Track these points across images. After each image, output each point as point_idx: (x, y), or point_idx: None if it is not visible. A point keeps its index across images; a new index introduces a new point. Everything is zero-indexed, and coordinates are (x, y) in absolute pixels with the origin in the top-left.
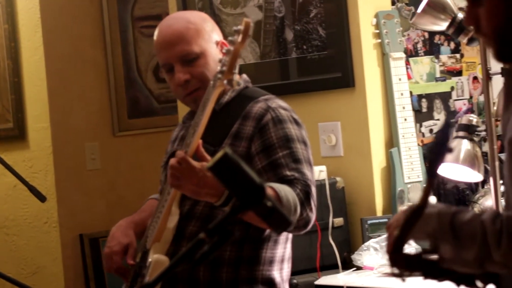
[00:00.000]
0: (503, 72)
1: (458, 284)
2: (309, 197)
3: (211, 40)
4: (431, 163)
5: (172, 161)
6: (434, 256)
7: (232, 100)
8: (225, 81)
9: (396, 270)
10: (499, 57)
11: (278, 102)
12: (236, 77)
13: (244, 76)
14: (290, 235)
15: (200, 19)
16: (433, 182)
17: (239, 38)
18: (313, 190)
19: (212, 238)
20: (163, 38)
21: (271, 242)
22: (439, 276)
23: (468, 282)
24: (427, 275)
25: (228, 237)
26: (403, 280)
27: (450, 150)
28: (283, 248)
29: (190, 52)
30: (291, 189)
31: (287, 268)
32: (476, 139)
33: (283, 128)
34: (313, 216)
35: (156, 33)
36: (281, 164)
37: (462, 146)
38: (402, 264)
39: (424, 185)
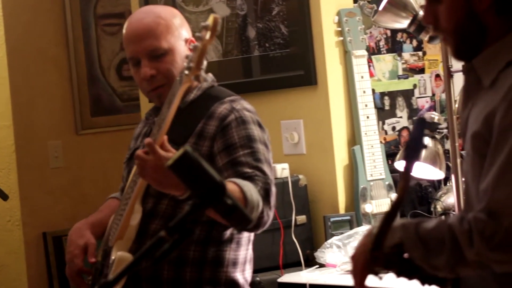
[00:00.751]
0: (463, 70)
1: (424, 283)
2: (269, 195)
3: (180, 37)
4: (407, 160)
5: (139, 151)
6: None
7: (197, 98)
8: (192, 77)
9: (374, 268)
10: (457, 55)
11: (243, 104)
12: (204, 73)
13: (210, 75)
14: (252, 237)
15: (170, 14)
16: (409, 179)
17: (207, 34)
18: (273, 189)
19: (173, 236)
20: (133, 31)
21: (233, 244)
22: (411, 274)
23: (435, 281)
24: (401, 273)
25: (188, 235)
26: (380, 278)
27: (424, 146)
28: (245, 250)
29: (159, 47)
30: (252, 185)
31: (249, 269)
32: (438, 136)
33: (246, 128)
34: (271, 215)
35: (125, 26)
36: (242, 162)
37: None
38: (381, 262)
39: (400, 181)
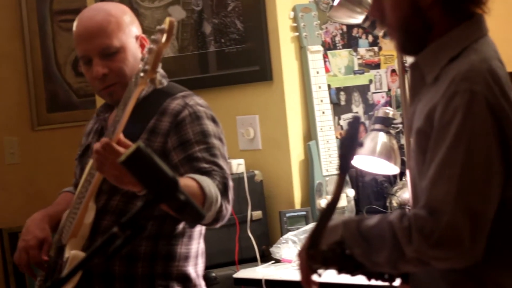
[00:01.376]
0: (409, 66)
1: (369, 278)
2: (227, 189)
3: (131, 35)
4: (342, 159)
5: (97, 145)
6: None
7: (149, 95)
8: (148, 80)
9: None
10: (402, 49)
11: (195, 99)
12: (159, 76)
13: (161, 71)
14: (204, 231)
15: (121, 11)
16: (344, 177)
17: (163, 38)
18: (231, 183)
19: (125, 232)
20: (84, 29)
21: (185, 238)
22: (353, 270)
23: (379, 277)
24: (342, 269)
25: (140, 231)
26: (319, 275)
27: (360, 144)
28: (197, 244)
29: (110, 46)
30: (210, 180)
31: (201, 263)
32: (392, 131)
33: (200, 124)
34: (230, 209)
35: (75, 23)
36: (198, 158)
37: (379, 138)
38: (318, 260)
39: (336, 181)
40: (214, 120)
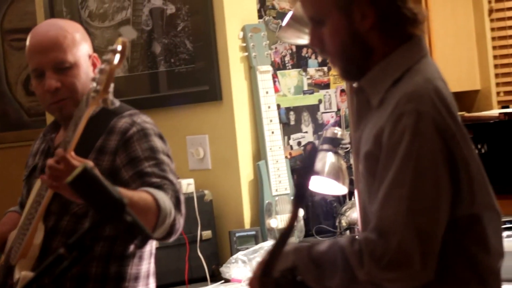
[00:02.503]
0: (354, 91)
1: None
2: (179, 203)
3: (84, 52)
4: (298, 187)
5: (50, 161)
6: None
7: (96, 114)
8: (100, 100)
9: None
10: (345, 76)
11: (142, 117)
12: (111, 96)
13: None
14: (154, 251)
15: (76, 28)
16: (300, 206)
17: (115, 58)
18: (182, 197)
19: (72, 253)
20: (38, 42)
21: (136, 259)
22: None
23: None
24: None
25: (87, 252)
26: None
27: (316, 173)
28: (147, 264)
29: (65, 60)
30: (163, 193)
31: (152, 283)
32: (341, 152)
33: (148, 141)
34: (182, 223)
35: (30, 37)
36: (148, 173)
37: (327, 159)
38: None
39: (291, 208)
40: (161, 138)
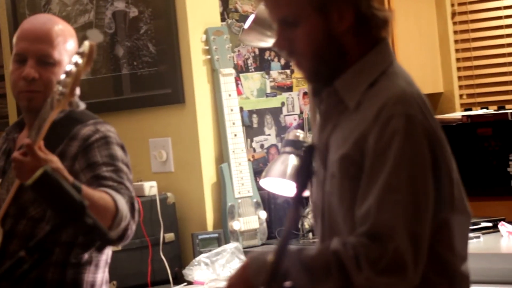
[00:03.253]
0: (313, 92)
1: None
2: (134, 209)
3: (69, 55)
4: (298, 189)
5: (16, 153)
6: None
7: (60, 120)
8: (66, 103)
9: None
10: (315, 78)
11: (106, 127)
12: (77, 99)
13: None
14: (109, 260)
15: (70, 33)
16: (300, 207)
17: (82, 61)
18: (137, 206)
19: (32, 256)
20: (32, 30)
21: (92, 266)
22: None
23: None
24: None
25: (48, 255)
26: None
27: (314, 173)
28: (102, 273)
29: (51, 56)
30: (121, 196)
31: None
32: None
33: (109, 148)
34: (134, 230)
35: (25, 21)
36: (106, 177)
37: (289, 161)
38: None
39: (290, 210)
40: (122, 148)
